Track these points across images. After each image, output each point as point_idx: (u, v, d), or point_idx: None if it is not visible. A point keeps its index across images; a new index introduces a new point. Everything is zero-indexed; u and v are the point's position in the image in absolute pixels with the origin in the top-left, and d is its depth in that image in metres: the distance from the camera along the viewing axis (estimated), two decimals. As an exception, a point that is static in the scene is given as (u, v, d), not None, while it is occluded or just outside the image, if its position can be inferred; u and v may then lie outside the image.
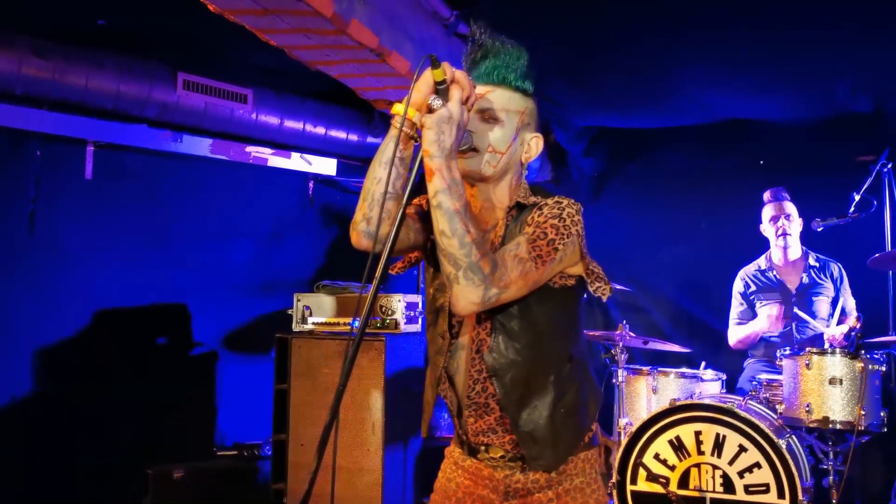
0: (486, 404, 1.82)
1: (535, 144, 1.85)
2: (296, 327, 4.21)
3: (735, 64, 4.35)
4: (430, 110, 1.63)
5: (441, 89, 1.64)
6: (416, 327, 4.23)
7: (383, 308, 4.10)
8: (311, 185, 5.28)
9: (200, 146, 4.54)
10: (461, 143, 1.70)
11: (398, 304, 4.08)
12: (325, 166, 5.12)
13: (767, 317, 4.22)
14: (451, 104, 1.63)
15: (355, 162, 5.32)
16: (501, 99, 1.80)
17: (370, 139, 5.09)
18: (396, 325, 4.07)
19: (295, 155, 4.96)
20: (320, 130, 4.87)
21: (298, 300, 4.24)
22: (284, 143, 4.87)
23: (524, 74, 1.82)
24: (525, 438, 1.79)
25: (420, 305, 4.29)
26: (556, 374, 1.80)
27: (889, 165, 4.31)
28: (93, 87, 3.99)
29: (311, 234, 5.27)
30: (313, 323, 4.19)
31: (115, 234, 4.39)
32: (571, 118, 5.20)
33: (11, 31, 3.72)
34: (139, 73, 4.13)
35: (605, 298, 1.81)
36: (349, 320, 4.10)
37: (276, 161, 4.88)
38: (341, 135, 4.97)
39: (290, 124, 4.73)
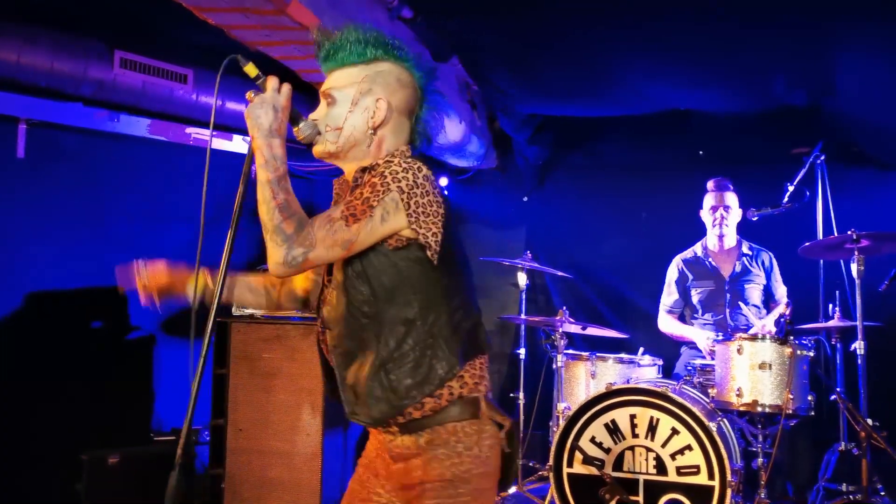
0: (329, 357, 1.90)
1: (380, 106, 1.86)
2: (235, 311, 4.15)
3: (675, 56, 4.42)
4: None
5: (260, 83, 1.79)
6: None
7: (325, 292, 4.08)
8: (253, 168, 5.20)
9: (138, 126, 4.45)
10: (308, 134, 1.84)
11: (339, 288, 4.06)
12: (267, 149, 5.05)
13: (706, 339, 4.26)
14: (266, 92, 1.77)
15: (297, 145, 5.24)
16: (336, 79, 1.89)
17: (314, 123, 5.03)
18: (337, 309, 4.05)
19: (237, 137, 4.89)
20: (263, 113, 4.79)
21: (238, 284, 4.19)
22: (226, 126, 4.79)
23: (358, 45, 1.87)
24: (347, 392, 1.84)
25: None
26: (386, 336, 1.79)
27: (822, 158, 4.44)
28: (25, 63, 3.87)
29: (252, 217, 5.20)
30: (253, 307, 4.15)
31: (49, 215, 4.27)
32: (515, 106, 5.23)
33: (-63, 3, 3.60)
34: (74, 50, 4.01)
35: (434, 263, 1.78)
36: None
37: (217, 143, 4.80)
38: (284, 117, 4.90)
39: (232, 106, 4.65)
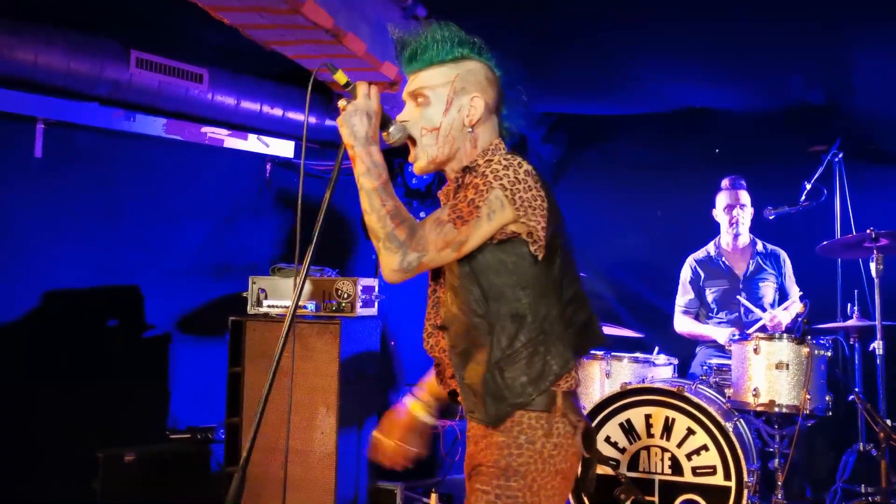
0: (441, 358, 1.92)
1: (476, 104, 1.86)
2: (251, 310, 4.17)
3: (691, 54, 4.40)
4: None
5: (350, 90, 1.79)
6: (373, 311, 4.22)
7: (339, 291, 4.08)
8: (268, 167, 5.22)
9: (154, 126, 4.47)
10: (398, 137, 1.83)
11: (354, 287, 4.07)
12: (283, 148, 5.07)
13: (728, 335, 4.21)
14: (357, 99, 1.77)
15: (313, 144, 5.28)
16: (426, 78, 1.87)
17: (328, 121, 5.05)
18: (352, 308, 4.06)
19: (252, 136, 4.91)
20: (278, 112, 4.81)
21: (253, 283, 4.21)
22: (241, 125, 4.80)
23: (445, 44, 1.86)
24: (465, 391, 1.83)
25: (376, 289, 4.29)
26: (498, 333, 1.78)
27: (840, 155, 4.40)
28: (42, 63, 3.90)
29: (267, 216, 5.22)
30: (268, 306, 4.16)
31: (66, 214, 4.30)
32: (529, 104, 5.21)
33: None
34: (91, 50, 4.03)
35: (539, 257, 1.77)
36: (305, 304, 4.07)
37: (232, 142, 4.82)
38: (299, 117, 4.93)
39: (247, 105, 4.67)
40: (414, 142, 1.88)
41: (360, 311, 4.09)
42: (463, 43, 1.88)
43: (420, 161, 1.89)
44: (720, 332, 4.28)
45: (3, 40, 3.74)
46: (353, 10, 3.38)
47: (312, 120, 5.01)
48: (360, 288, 4.09)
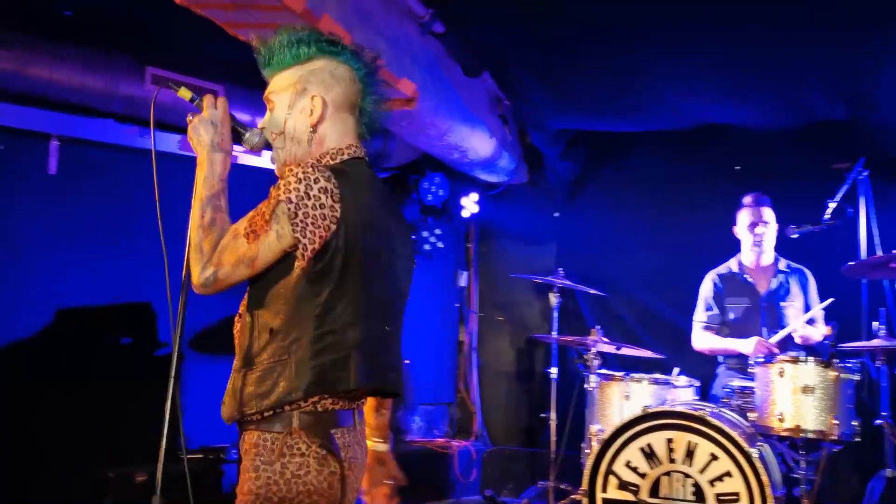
0: None
1: (315, 103, 1.85)
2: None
3: (709, 70, 4.34)
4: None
5: (196, 104, 1.86)
6: (387, 330, 4.17)
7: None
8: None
9: (169, 142, 4.43)
10: (256, 142, 1.89)
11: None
12: (297, 165, 5.02)
13: (757, 343, 4.11)
14: (204, 112, 1.84)
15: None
16: (274, 84, 1.90)
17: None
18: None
19: (266, 153, 4.85)
20: (293, 128, 4.77)
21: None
22: (257, 141, 4.76)
23: (289, 48, 1.87)
24: (226, 389, 1.84)
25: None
26: (255, 340, 1.78)
27: (865, 174, 4.31)
28: (57, 79, 3.87)
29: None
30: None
31: (79, 230, 4.27)
32: (547, 120, 5.16)
33: (-29, 20, 3.61)
34: (105, 67, 4.01)
35: (294, 275, 1.72)
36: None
37: (247, 159, 4.78)
38: (315, 133, 4.89)
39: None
40: (269, 146, 1.91)
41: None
42: (307, 43, 1.87)
43: (276, 165, 1.90)
44: (745, 344, 4.17)
45: (17, 56, 3.72)
46: (369, 25, 3.34)
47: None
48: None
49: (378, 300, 1.80)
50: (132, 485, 3.90)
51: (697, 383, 4.13)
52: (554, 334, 4.66)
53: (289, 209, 1.68)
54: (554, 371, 4.72)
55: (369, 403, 2.02)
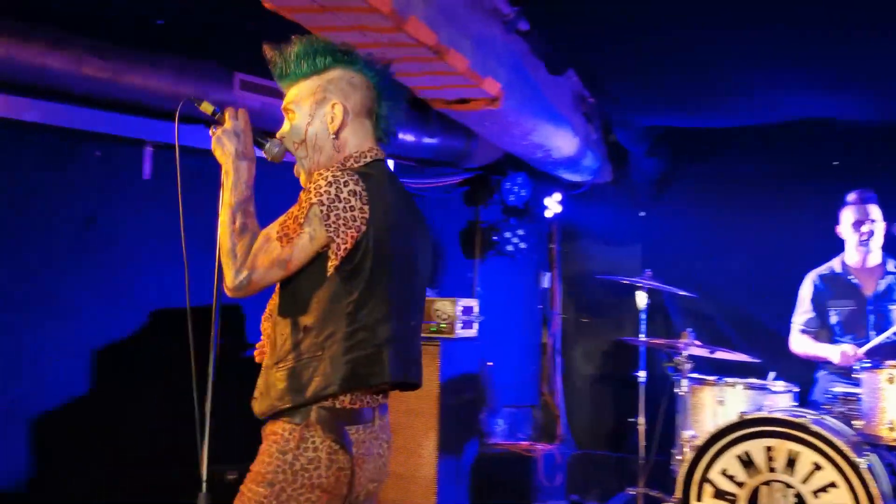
0: None
1: (336, 111, 1.93)
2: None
3: (804, 61, 4.14)
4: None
5: (217, 117, 1.94)
6: (472, 332, 4.13)
7: (438, 312, 4.01)
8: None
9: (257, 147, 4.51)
10: (276, 152, 1.97)
11: (454, 308, 3.98)
12: (383, 167, 5.04)
13: (842, 353, 3.95)
14: (226, 123, 1.93)
15: (409, 162, 5.24)
16: (293, 94, 1.98)
17: (426, 139, 5.01)
18: (452, 329, 3.98)
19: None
20: (377, 131, 4.80)
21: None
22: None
23: (305, 59, 1.95)
24: (259, 380, 1.93)
25: (475, 310, 4.19)
26: (286, 339, 1.84)
27: (978, 168, 4.05)
28: (150, 87, 3.98)
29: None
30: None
31: (173, 234, 4.36)
32: (634, 117, 5.05)
33: (70, 32, 3.73)
34: (196, 74, 4.10)
35: (329, 273, 1.80)
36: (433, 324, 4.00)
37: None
38: (407, 137, 4.90)
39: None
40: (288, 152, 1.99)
41: (460, 332, 4.02)
42: (325, 53, 1.95)
43: (302, 175, 1.97)
44: (832, 351, 3.98)
45: (113, 65, 3.83)
46: (455, 25, 3.31)
47: (410, 138, 4.98)
48: (459, 309, 4.01)
49: (405, 297, 1.89)
50: (225, 483, 3.97)
51: (796, 389, 3.95)
52: (642, 337, 4.55)
53: (321, 211, 1.76)
54: (642, 374, 4.60)
55: None
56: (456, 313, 3.97)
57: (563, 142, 4.70)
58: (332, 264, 1.78)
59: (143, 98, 4.01)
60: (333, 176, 1.78)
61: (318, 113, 1.94)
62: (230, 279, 1.82)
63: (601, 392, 5.81)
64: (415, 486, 3.77)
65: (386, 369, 1.82)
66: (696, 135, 5.38)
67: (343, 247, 1.77)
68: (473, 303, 4.19)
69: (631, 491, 4.53)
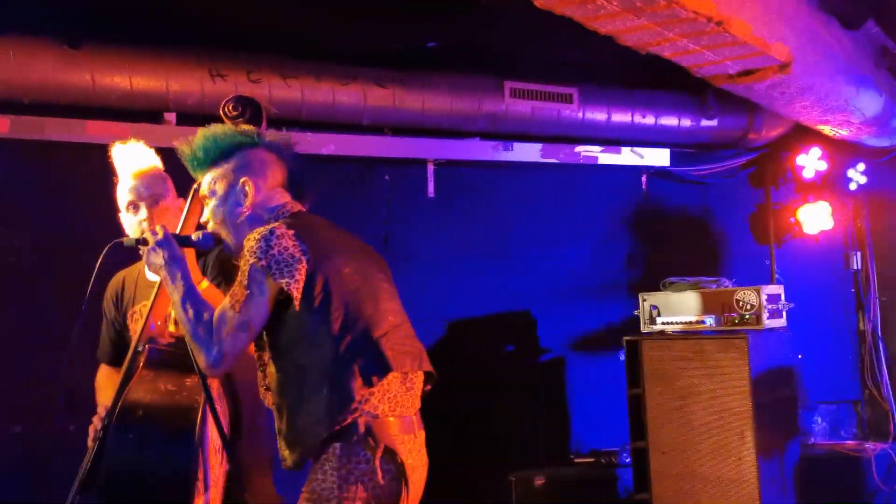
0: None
1: (248, 188, 2.03)
2: (644, 328, 3.99)
3: None
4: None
5: (139, 244, 2.13)
6: (782, 322, 3.78)
7: (740, 303, 3.72)
8: (643, 178, 5.01)
9: (531, 152, 4.53)
10: (202, 243, 2.10)
11: (758, 297, 3.67)
12: (658, 157, 4.83)
13: None
14: (149, 242, 2.09)
15: (689, 149, 4.97)
16: (206, 181, 2.09)
17: (704, 122, 4.72)
18: (758, 320, 3.67)
19: (625, 149, 4.75)
20: (650, 120, 4.61)
21: (644, 300, 4.01)
22: (613, 139, 4.69)
23: (210, 149, 2.06)
24: (280, 441, 1.96)
25: (783, 297, 3.84)
26: (292, 386, 1.92)
27: None
28: (428, 107, 4.17)
29: (646, 229, 5.01)
30: (662, 322, 3.93)
31: (458, 246, 4.52)
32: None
33: (352, 66, 4.01)
34: (469, 88, 4.23)
35: (296, 308, 1.88)
36: (703, 318, 3.78)
37: (607, 158, 4.71)
38: (672, 121, 4.68)
39: (618, 118, 4.55)
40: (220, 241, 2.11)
41: (768, 322, 3.69)
42: (226, 140, 2.06)
43: (233, 253, 2.06)
44: None
45: (393, 92, 4.06)
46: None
47: (687, 123, 4.72)
48: (764, 297, 3.69)
49: (374, 298, 1.98)
50: (532, 488, 4.00)
51: None
52: None
53: (261, 266, 1.87)
54: None
55: None
56: (762, 302, 3.65)
57: (865, 103, 4.18)
58: (296, 302, 1.88)
59: (422, 119, 4.22)
60: (259, 233, 1.90)
61: (231, 193, 2.05)
62: (203, 360, 1.92)
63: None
64: (735, 491, 3.50)
65: (388, 363, 1.91)
66: None
67: (298, 281, 1.87)
68: (779, 289, 3.84)
69: None
